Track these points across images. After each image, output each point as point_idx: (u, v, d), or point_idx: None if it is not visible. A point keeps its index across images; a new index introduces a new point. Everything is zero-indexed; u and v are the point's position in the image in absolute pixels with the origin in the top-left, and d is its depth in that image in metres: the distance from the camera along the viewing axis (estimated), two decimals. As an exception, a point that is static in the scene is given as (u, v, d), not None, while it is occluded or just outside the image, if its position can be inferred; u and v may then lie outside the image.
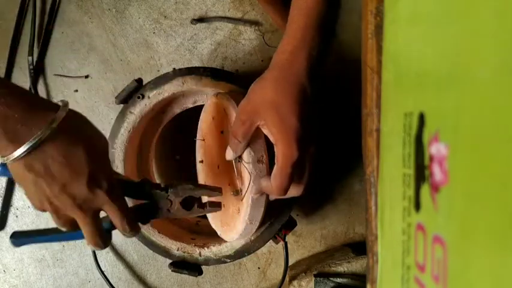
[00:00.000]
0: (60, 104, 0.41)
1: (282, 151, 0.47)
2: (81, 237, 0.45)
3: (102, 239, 0.45)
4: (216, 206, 0.52)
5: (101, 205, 0.44)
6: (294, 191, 0.51)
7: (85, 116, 0.44)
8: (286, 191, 0.49)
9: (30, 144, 0.38)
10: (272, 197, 0.54)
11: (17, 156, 0.38)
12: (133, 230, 0.47)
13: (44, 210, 0.43)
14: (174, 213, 0.50)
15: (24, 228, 0.78)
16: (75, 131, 0.41)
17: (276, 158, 0.48)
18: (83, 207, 0.42)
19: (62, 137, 0.39)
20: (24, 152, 0.38)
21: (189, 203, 0.50)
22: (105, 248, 0.46)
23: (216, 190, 0.51)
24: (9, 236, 0.49)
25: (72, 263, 0.79)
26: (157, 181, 0.76)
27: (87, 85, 0.77)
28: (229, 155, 0.51)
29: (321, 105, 0.73)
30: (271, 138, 0.48)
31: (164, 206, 0.50)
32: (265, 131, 0.49)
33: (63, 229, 0.45)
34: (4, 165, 0.41)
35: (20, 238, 0.49)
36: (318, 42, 0.48)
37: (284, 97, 0.47)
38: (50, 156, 0.39)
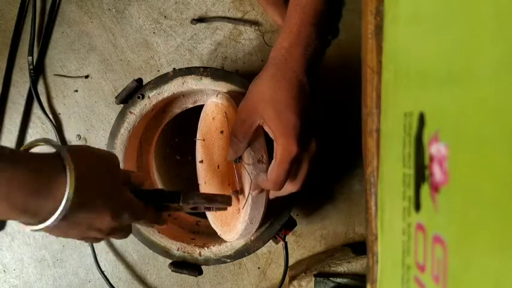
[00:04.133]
0: (64, 158, 0.38)
1: (281, 146, 0.47)
2: None
3: (127, 234, 0.49)
4: (226, 202, 0.52)
5: (126, 225, 0.46)
6: (291, 187, 0.52)
7: (84, 147, 0.43)
8: (281, 185, 0.49)
9: (54, 219, 0.36)
10: (271, 195, 0.54)
11: (42, 228, 0.37)
12: (160, 223, 0.51)
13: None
14: (183, 211, 0.51)
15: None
16: (86, 177, 0.39)
17: (274, 153, 0.48)
18: (109, 233, 0.44)
19: (77, 194, 0.37)
20: (50, 224, 0.37)
21: (195, 208, 0.52)
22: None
23: (227, 202, 0.52)
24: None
25: (72, 263, 0.79)
26: (158, 181, 0.76)
27: (87, 85, 0.76)
28: (230, 155, 0.52)
29: (321, 103, 0.73)
30: (271, 135, 0.48)
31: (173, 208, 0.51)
32: (266, 128, 0.49)
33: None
34: None
35: None
36: (314, 38, 0.47)
37: (281, 93, 0.47)
38: (74, 215, 0.38)
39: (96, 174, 0.41)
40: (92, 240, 0.46)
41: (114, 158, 0.45)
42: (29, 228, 0.37)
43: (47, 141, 0.40)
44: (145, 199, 0.48)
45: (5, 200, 0.34)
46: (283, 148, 0.47)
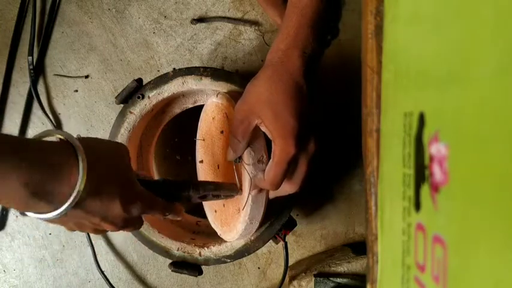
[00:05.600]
0: (74, 143, 0.39)
1: (278, 147, 0.47)
2: None
3: (139, 226, 0.50)
4: (232, 189, 0.54)
5: (135, 217, 0.46)
6: (289, 188, 0.52)
7: (93, 138, 0.44)
8: (278, 185, 0.50)
9: (68, 204, 0.38)
10: (271, 195, 0.54)
11: (58, 214, 0.39)
12: (174, 212, 0.51)
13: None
14: (192, 201, 0.52)
15: (24, 228, 0.78)
16: (97, 166, 0.40)
17: (272, 153, 0.48)
18: (125, 224, 0.46)
19: (89, 181, 0.39)
20: (64, 210, 0.38)
21: (204, 196, 0.53)
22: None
23: (233, 189, 0.54)
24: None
25: (72, 263, 0.79)
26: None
27: (87, 85, 0.76)
28: (230, 155, 0.52)
29: (321, 104, 0.73)
30: (269, 135, 0.48)
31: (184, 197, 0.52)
32: (263, 129, 0.50)
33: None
34: None
35: None
36: (311, 40, 0.48)
37: (278, 95, 0.47)
38: (87, 203, 0.40)
39: (107, 163, 0.43)
40: (103, 232, 0.48)
41: (124, 148, 0.47)
42: (44, 216, 0.39)
43: (57, 132, 0.41)
44: (155, 190, 0.48)
45: (25, 186, 0.35)
46: (281, 149, 0.47)
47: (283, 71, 0.47)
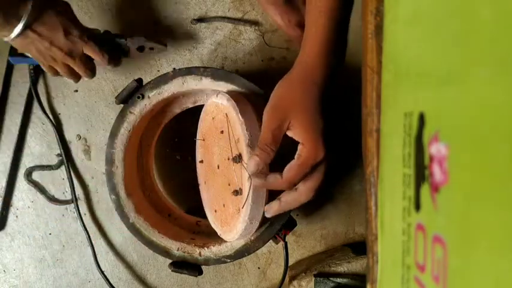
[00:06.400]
0: None
1: (308, 149, 0.47)
2: None
3: (90, 70, 0.65)
4: (161, 42, 0.69)
5: (81, 49, 0.62)
6: (304, 195, 0.51)
7: None
8: (293, 186, 0.50)
9: (23, 22, 0.56)
10: (284, 208, 0.53)
11: (17, 34, 0.56)
12: (113, 59, 0.66)
13: (51, 69, 0.64)
14: (132, 56, 0.68)
15: (24, 228, 0.78)
16: (46, 5, 0.58)
17: (297, 155, 0.48)
18: (71, 55, 0.61)
19: (40, 13, 0.57)
20: (20, 29, 0.56)
21: (142, 48, 0.68)
22: (93, 76, 0.66)
23: (162, 43, 0.69)
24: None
25: (72, 263, 0.79)
26: (158, 181, 0.76)
27: (87, 85, 0.76)
28: (259, 165, 0.50)
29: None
30: (299, 138, 0.48)
31: (124, 50, 0.68)
32: (290, 134, 0.49)
33: (65, 76, 0.65)
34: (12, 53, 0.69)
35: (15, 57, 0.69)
36: (337, 43, 0.49)
37: (311, 99, 0.48)
38: (36, 26, 0.57)
39: (55, 4, 0.59)
40: (55, 63, 0.63)
41: (69, 5, 0.62)
42: (8, 37, 0.57)
43: None
44: (97, 39, 0.63)
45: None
46: (309, 151, 0.47)
47: (316, 75, 0.48)
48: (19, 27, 0.56)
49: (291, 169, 0.48)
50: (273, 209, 0.53)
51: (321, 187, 0.51)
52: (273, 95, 0.50)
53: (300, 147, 0.48)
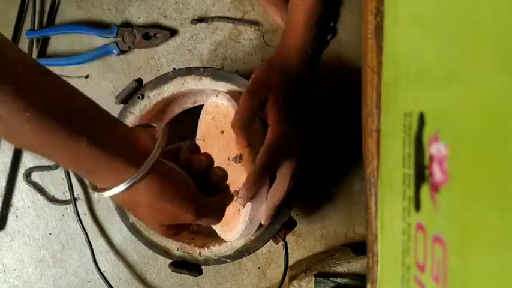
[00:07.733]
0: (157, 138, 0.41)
1: (274, 131, 0.49)
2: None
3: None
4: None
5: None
6: (281, 189, 0.52)
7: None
8: (270, 169, 0.50)
9: (132, 181, 0.36)
10: (270, 205, 0.54)
11: (120, 192, 0.37)
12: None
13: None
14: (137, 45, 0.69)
15: (24, 228, 0.78)
16: (166, 174, 0.40)
17: (267, 137, 0.50)
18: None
19: (155, 176, 0.38)
20: (124, 188, 0.37)
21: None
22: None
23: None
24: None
25: (72, 263, 0.79)
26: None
27: (87, 85, 0.76)
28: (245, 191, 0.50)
29: (314, 108, 0.73)
30: (269, 120, 0.50)
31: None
32: (262, 113, 0.51)
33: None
34: None
35: None
36: (315, 36, 0.52)
37: (287, 83, 0.51)
38: (142, 194, 0.38)
39: (176, 179, 0.41)
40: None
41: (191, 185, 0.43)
42: (117, 188, 0.37)
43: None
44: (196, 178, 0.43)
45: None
46: (276, 133, 0.49)
47: (293, 61, 0.52)
48: (125, 184, 0.37)
49: (261, 152, 0.49)
50: (263, 214, 0.53)
51: (297, 173, 0.51)
52: (253, 77, 0.52)
53: (268, 129, 0.50)
